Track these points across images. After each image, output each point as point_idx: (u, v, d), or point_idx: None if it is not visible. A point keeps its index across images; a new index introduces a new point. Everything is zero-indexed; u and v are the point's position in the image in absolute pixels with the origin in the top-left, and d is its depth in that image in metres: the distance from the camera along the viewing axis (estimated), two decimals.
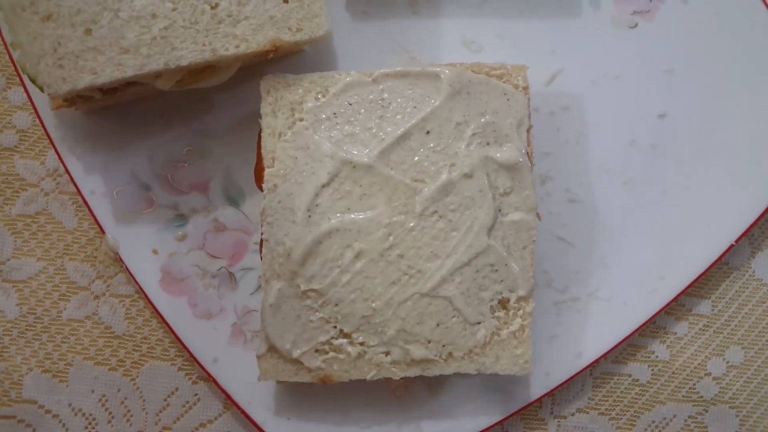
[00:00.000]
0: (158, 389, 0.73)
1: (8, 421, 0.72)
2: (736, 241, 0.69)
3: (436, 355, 0.62)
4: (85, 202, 0.69)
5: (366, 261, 0.61)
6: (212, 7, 0.60)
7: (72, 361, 0.73)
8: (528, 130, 0.63)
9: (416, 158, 0.61)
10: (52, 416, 0.73)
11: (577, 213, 0.71)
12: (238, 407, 0.68)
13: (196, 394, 0.73)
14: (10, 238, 0.74)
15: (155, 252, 0.70)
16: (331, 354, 0.62)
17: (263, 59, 0.64)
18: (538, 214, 0.62)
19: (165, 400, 0.73)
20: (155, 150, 0.70)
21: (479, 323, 0.62)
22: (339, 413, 0.69)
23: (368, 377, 0.62)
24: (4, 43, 0.67)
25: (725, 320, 0.73)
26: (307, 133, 0.62)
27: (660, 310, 0.69)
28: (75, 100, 0.64)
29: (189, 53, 0.60)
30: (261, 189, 0.63)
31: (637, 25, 0.72)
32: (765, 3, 0.70)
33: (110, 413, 0.73)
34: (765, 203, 0.69)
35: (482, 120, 0.62)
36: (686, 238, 0.70)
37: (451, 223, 0.61)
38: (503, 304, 0.62)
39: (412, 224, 0.61)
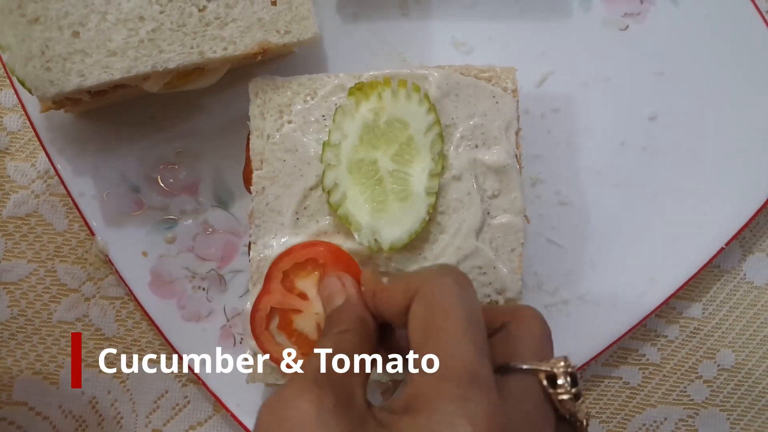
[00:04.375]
0: (148, 391, 0.73)
1: None
2: (727, 244, 0.69)
3: None
4: (75, 205, 0.69)
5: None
6: (200, 10, 0.60)
7: (62, 363, 0.73)
8: (517, 133, 0.63)
9: None
10: (42, 418, 0.73)
11: (567, 215, 0.71)
12: (227, 410, 0.68)
13: (185, 397, 0.73)
14: (0, 240, 0.74)
15: (144, 254, 0.70)
16: None
17: (252, 61, 0.64)
18: (526, 216, 0.62)
19: (155, 402, 0.73)
20: (145, 152, 0.70)
21: None
22: None
23: None
24: None
25: (716, 323, 0.73)
26: (296, 136, 0.62)
27: (650, 313, 0.69)
28: (64, 102, 0.64)
29: (177, 56, 0.60)
30: (249, 191, 0.63)
31: (627, 27, 0.72)
32: (755, 5, 0.70)
33: (100, 415, 0.73)
34: (756, 206, 0.69)
35: (470, 122, 0.61)
36: (677, 241, 0.70)
37: (440, 225, 0.61)
38: None
39: None
